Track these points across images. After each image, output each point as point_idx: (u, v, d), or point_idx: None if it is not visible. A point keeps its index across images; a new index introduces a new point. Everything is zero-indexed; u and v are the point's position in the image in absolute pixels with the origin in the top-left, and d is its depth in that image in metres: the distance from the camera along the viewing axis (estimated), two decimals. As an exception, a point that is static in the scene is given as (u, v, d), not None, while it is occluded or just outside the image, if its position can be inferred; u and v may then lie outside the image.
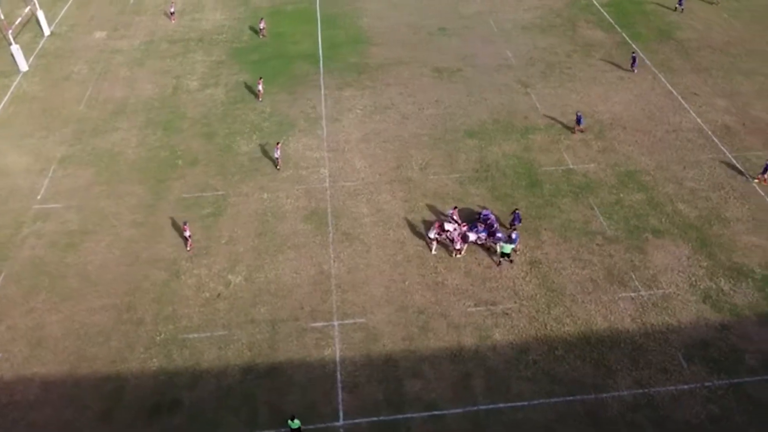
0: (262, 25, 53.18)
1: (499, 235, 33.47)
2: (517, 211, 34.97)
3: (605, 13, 57.04)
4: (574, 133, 42.21)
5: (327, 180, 38.96)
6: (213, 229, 35.70)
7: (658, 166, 39.90)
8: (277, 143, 39.67)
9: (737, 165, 39.79)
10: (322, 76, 48.56)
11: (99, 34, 53.91)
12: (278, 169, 39.68)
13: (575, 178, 39.07)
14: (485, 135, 42.62)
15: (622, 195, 37.79)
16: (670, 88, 47.07)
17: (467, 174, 39.48)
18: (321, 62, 50.31)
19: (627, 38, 53.30)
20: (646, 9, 57.77)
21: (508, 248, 32.81)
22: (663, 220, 36.10)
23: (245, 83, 47.93)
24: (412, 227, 35.51)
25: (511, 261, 33.60)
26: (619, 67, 49.46)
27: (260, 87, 45.30)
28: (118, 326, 30.52)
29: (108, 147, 41.63)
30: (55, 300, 31.79)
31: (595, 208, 36.87)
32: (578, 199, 37.61)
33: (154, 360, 29.09)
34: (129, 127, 43.39)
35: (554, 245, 34.64)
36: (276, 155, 39.27)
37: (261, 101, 45.24)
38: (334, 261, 33.81)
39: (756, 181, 38.53)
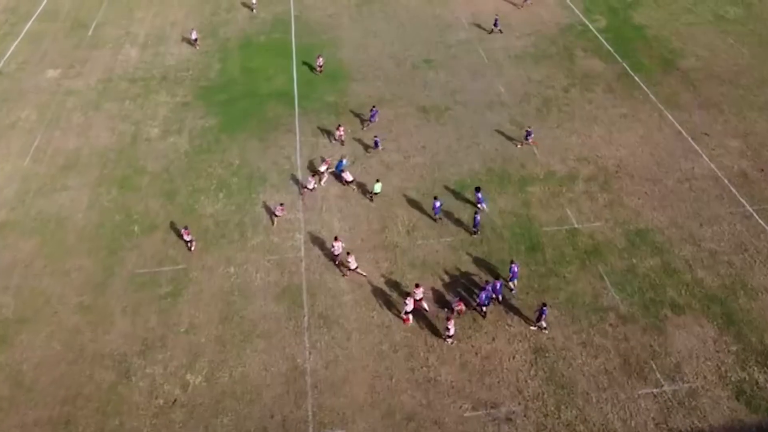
0: (320, 62, 48.46)
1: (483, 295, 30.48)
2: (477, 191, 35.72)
3: (603, 40, 52.88)
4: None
5: (302, 248, 34.42)
6: (171, 313, 31.04)
7: (671, 223, 35.68)
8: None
9: (760, 221, 35.57)
10: (297, 119, 44.03)
11: (52, 73, 49.03)
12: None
13: (581, 240, 34.75)
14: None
15: (634, 260, 33.51)
16: (679, 127, 42.94)
17: (459, 237, 35.04)
18: (296, 102, 45.77)
19: (628, 69, 49.16)
20: (647, 35, 53.67)
21: (378, 187, 36.37)
22: (682, 291, 31.87)
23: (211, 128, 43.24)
24: (399, 307, 30.98)
25: (371, 198, 36.56)
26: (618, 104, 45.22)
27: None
28: (53, 448, 25.76)
29: (55, 210, 36.83)
30: (-19, 414, 27.01)
31: (605, 278, 32.57)
32: (585, 266, 33.29)
33: (95, 494, 24.38)
34: (80, 185, 38.61)
35: (561, 327, 30.29)
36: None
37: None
38: (309, 353, 29.28)
39: (519, 146, 40.68)
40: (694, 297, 31.68)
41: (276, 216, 35.70)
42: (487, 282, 31.02)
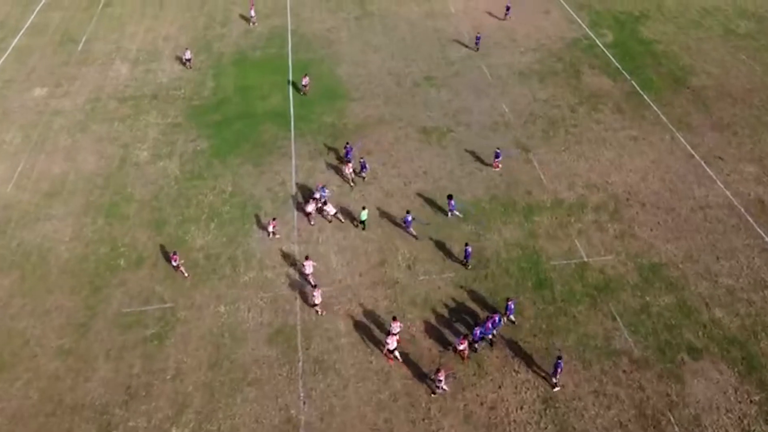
0: (305, 82, 45.98)
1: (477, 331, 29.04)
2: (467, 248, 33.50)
3: (610, 56, 51.02)
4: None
5: (297, 284, 32.49)
6: (157, 358, 29.17)
7: (686, 257, 33.83)
8: None
9: (779, 254, 33.73)
10: (293, 142, 42.14)
11: (39, 91, 47.16)
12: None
13: (591, 275, 32.89)
14: (482, 217, 36.34)
15: (648, 298, 31.65)
16: (691, 150, 41.08)
17: (462, 272, 33.16)
18: (292, 123, 43.88)
19: (637, 87, 47.32)
20: (656, 50, 51.80)
21: (365, 215, 34.41)
22: (699, 333, 30.01)
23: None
24: (399, 351, 29.12)
25: (363, 228, 35.02)
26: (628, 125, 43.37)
27: None
28: None
29: (37, 242, 34.96)
30: (-50, 475, 25.15)
31: (618, 318, 30.71)
32: (596, 304, 31.42)
33: None
34: (64, 213, 36.74)
35: (571, 373, 28.41)
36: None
37: None
38: (304, 402, 27.42)
39: (494, 168, 39.10)
40: (712, 339, 29.83)
41: (271, 232, 34.33)
42: (488, 317, 29.26)
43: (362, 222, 35.08)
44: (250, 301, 31.82)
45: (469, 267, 33.12)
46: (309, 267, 31.74)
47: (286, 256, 34.12)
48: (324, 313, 30.80)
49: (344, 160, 39.01)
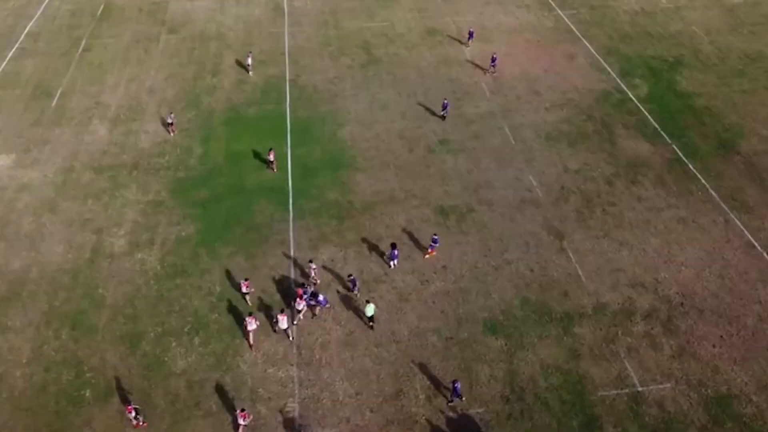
0: (271, 158, 40.00)
1: None
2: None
3: (646, 113, 45.54)
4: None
5: (297, 423, 26.93)
6: None
7: (759, 385, 28.35)
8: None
9: None
10: (291, 225, 36.63)
11: (4, 160, 41.68)
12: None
13: (647, 411, 27.38)
14: (513, 328, 30.91)
15: (719, 446, 26.04)
16: (750, 237, 35.56)
17: (494, 406, 27.72)
18: (290, 200, 38.34)
19: (680, 153, 41.81)
20: (696, 105, 46.35)
21: (370, 310, 29.78)
22: (787, 498, 24.35)
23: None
24: None
25: (372, 326, 30.48)
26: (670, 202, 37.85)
27: None
28: None
29: (-12, 364, 29.37)
30: None
31: (685, 476, 25.08)
32: (657, 454, 25.82)
33: None
34: (23, 325, 31.25)
35: None
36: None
37: None
38: None
39: (427, 256, 34.34)
40: (804, 508, 24.20)
41: (246, 294, 31.04)
42: None
43: (370, 318, 29.62)
44: (240, 450, 26.24)
45: (453, 401, 27.80)
46: (252, 324, 29.32)
47: (284, 384, 28.59)
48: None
49: (310, 303, 31.35)
